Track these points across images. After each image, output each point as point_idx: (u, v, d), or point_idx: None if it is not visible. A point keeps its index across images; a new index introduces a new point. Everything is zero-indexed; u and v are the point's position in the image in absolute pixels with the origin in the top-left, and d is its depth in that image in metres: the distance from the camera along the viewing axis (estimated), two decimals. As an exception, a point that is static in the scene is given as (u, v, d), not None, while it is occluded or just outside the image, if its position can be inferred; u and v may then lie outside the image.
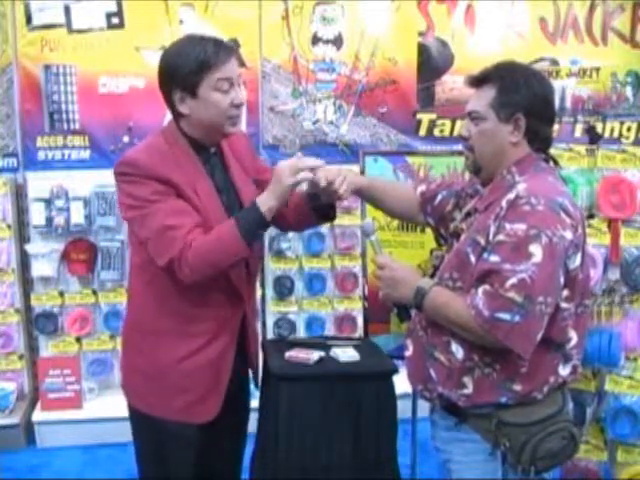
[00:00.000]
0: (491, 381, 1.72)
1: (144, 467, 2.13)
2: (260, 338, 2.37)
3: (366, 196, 2.17)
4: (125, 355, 2.10)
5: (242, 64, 1.99)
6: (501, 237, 1.65)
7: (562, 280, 1.68)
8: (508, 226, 1.65)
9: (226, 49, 1.87)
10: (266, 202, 1.83)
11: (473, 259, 1.71)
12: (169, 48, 1.91)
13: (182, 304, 1.94)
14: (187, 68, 1.82)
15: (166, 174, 1.85)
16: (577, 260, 1.70)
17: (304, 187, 2.02)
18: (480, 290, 1.65)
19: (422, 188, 2.13)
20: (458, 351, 1.74)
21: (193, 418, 1.98)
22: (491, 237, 1.68)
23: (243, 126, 3.74)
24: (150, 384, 2.00)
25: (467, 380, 1.74)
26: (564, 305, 1.71)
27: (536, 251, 1.61)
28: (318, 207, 2.04)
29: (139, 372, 2.03)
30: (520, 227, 1.63)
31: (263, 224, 1.85)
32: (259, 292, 3.72)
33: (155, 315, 1.98)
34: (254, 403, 2.41)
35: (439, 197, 2.07)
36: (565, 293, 1.70)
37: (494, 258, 1.65)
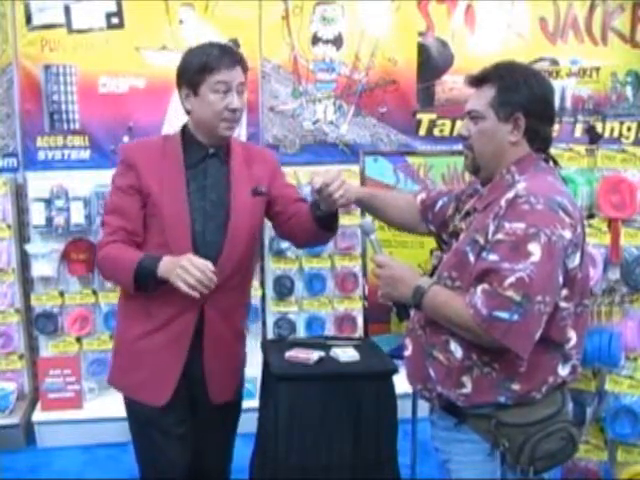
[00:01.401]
0: (490, 380, 1.72)
1: (136, 455, 2.21)
2: (259, 340, 2.38)
3: (367, 206, 2.17)
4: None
5: (245, 69, 2.05)
6: (500, 236, 1.65)
7: (561, 279, 1.67)
8: (507, 225, 1.65)
9: (231, 56, 2.02)
10: (164, 271, 1.91)
11: (472, 258, 1.71)
12: (186, 51, 2.08)
13: None
14: (192, 68, 2.00)
15: (140, 167, 2.04)
16: (576, 259, 1.70)
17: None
18: (479, 289, 1.65)
19: (422, 196, 2.14)
20: (457, 350, 1.74)
21: (146, 398, 2.07)
22: (490, 236, 1.68)
23: (243, 126, 3.75)
24: (115, 357, 2.19)
25: (466, 379, 1.74)
26: (563, 304, 1.71)
27: (535, 250, 1.61)
28: (320, 218, 2.05)
29: (113, 347, 2.22)
30: (519, 226, 1.63)
31: (155, 280, 1.93)
32: (259, 292, 3.72)
33: (125, 295, 2.14)
34: (254, 403, 2.41)
35: (440, 203, 2.07)
36: (564, 292, 1.70)
37: (493, 257, 1.65)
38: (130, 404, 2.14)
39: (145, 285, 1.97)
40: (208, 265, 1.88)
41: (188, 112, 2.06)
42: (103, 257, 2.04)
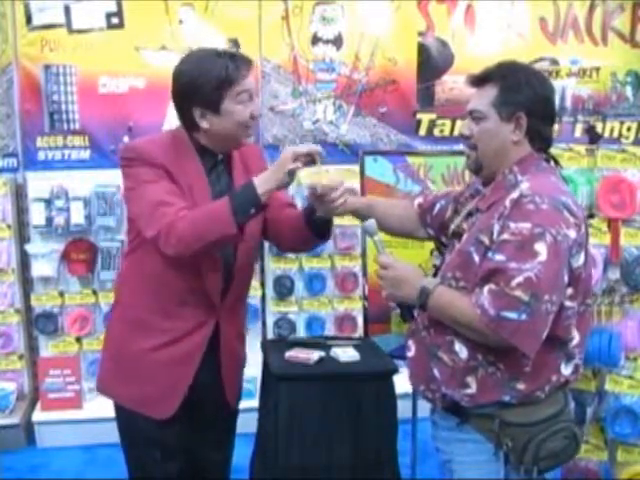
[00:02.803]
0: (495, 380, 1.72)
1: (126, 464, 2.17)
2: (259, 340, 2.39)
3: (364, 217, 2.12)
4: (103, 341, 2.17)
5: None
6: (506, 236, 1.65)
7: (566, 279, 1.68)
8: (513, 225, 1.65)
9: (245, 62, 1.91)
10: (264, 184, 1.83)
11: (477, 259, 1.71)
12: (186, 65, 1.93)
13: (157, 298, 2.00)
14: (209, 86, 1.86)
15: (165, 164, 1.91)
16: (580, 259, 1.70)
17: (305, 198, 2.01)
18: (485, 289, 1.65)
19: (419, 200, 2.14)
20: (462, 351, 1.74)
21: (148, 411, 2.01)
22: (495, 236, 1.68)
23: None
24: (113, 367, 2.09)
25: (471, 380, 1.74)
26: (568, 304, 1.71)
27: (541, 250, 1.61)
28: (314, 223, 2.02)
29: (109, 356, 2.11)
30: (525, 226, 1.63)
31: (257, 205, 1.84)
32: (259, 292, 3.72)
33: (131, 304, 2.05)
34: (254, 403, 2.41)
35: (438, 206, 2.07)
36: (569, 292, 1.70)
37: (499, 257, 1.65)
38: (127, 417, 2.06)
39: (245, 217, 1.83)
40: (296, 149, 1.86)
41: (199, 129, 1.94)
42: (186, 219, 1.82)
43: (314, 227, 2.02)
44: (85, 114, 3.68)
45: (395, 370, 2.26)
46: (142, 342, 2.00)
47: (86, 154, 3.72)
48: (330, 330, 3.79)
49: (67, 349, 3.68)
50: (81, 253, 3.63)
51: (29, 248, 3.61)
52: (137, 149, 1.96)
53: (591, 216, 2.44)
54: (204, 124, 1.91)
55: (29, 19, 3.57)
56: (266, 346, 2.44)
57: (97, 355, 3.66)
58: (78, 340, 3.70)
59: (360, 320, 3.61)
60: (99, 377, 2.16)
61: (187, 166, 1.95)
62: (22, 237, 3.68)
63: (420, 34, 3.89)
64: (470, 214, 1.85)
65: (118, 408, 2.10)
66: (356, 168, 2.93)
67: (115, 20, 3.63)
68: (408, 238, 2.30)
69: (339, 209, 1.96)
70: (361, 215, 2.14)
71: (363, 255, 2.89)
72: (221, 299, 2.03)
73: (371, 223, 1.95)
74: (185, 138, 1.98)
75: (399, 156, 2.90)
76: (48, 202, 3.58)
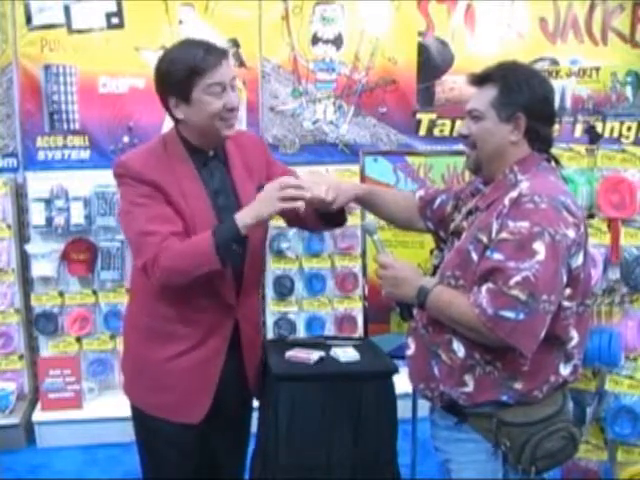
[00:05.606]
0: (492, 379, 1.73)
1: (141, 464, 2.18)
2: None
3: (365, 203, 2.16)
4: (123, 348, 2.18)
5: (241, 64, 2.00)
6: (504, 235, 1.65)
7: (565, 279, 1.68)
8: (511, 224, 1.65)
9: (216, 53, 1.89)
10: (243, 218, 1.85)
11: (475, 257, 1.71)
12: (163, 55, 1.95)
13: (171, 306, 1.98)
14: (178, 75, 1.87)
15: (154, 177, 1.91)
16: (579, 259, 1.70)
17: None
18: (484, 288, 1.65)
19: (421, 193, 2.14)
20: (459, 349, 1.74)
21: (176, 417, 2.01)
22: (494, 235, 1.68)
23: (243, 126, 3.74)
24: (136, 377, 2.08)
25: (468, 378, 1.74)
26: (566, 304, 1.71)
27: (539, 249, 1.61)
28: (326, 213, 2.03)
29: (129, 365, 2.13)
30: (523, 225, 1.63)
31: (238, 239, 1.86)
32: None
33: (146, 313, 2.04)
34: (254, 403, 2.41)
35: (438, 200, 2.07)
36: (567, 292, 1.71)
37: (497, 256, 1.65)
38: (148, 419, 2.05)
39: (228, 253, 1.85)
40: (283, 180, 1.86)
41: (179, 120, 1.96)
42: (170, 253, 1.84)
43: (325, 219, 2.05)
44: (85, 114, 3.68)
45: (395, 370, 2.26)
46: (161, 351, 2.00)
47: (86, 154, 3.72)
48: (330, 330, 3.79)
49: (67, 349, 3.68)
50: (81, 253, 3.63)
51: (29, 248, 3.61)
52: (126, 165, 1.96)
53: (591, 216, 2.44)
54: (179, 114, 1.93)
55: (29, 19, 3.57)
56: (266, 346, 2.44)
57: (97, 355, 3.69)
58: (78, 340, 3.70)
59: (360, 320, 3.61)
60: (124, 383, 2.17)
61: (178, 170, 1.95)
62: (22, 237, 3.68)
63: (420, 34, 3.89)
64: (470, 213, 1.85)
65: (135, 409, 2.10)
66: (356, 168, 2.93)
67: (115, 20, 3.63)
68: (407, 229, 2.29)
69: (338, 200, 1.94)
70: (362, 202, 2.14)
71: (363, 255, 2.90)
72: (236, 298, 2.03)
73: (371, 223, 1.96)
74: (175, 139, 1.99)
75: (399, 156, 2.91)
76: (48, 202, 3.58)
